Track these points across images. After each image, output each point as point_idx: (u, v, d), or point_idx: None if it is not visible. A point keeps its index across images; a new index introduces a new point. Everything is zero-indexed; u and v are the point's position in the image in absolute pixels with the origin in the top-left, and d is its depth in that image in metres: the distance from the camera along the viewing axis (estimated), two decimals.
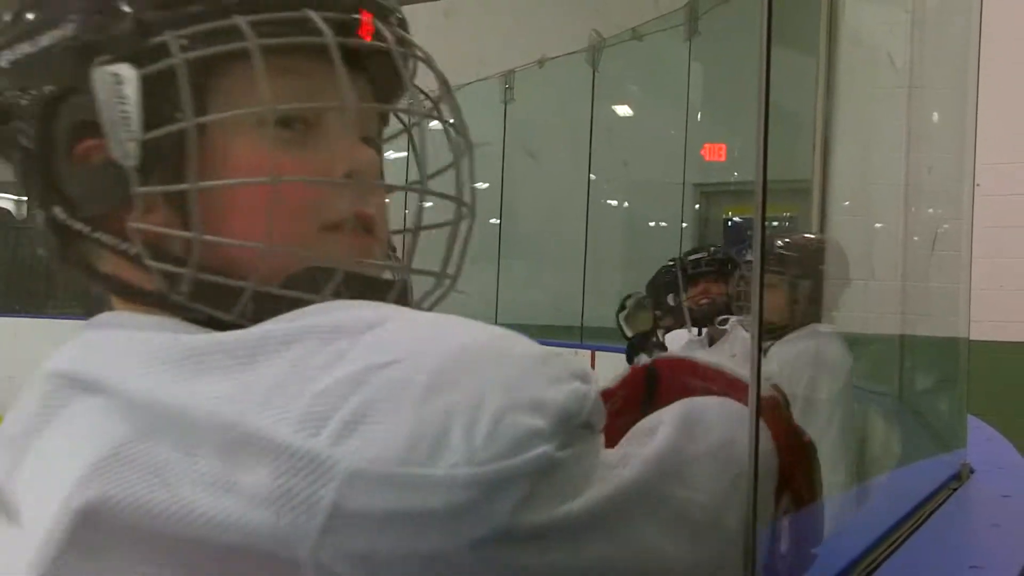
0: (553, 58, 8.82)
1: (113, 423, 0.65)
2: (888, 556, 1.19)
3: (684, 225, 8.61)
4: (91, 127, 0.75)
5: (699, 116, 8.14)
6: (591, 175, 8.59)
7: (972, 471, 1.87)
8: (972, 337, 2.49)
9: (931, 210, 2.57)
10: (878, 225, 2.62)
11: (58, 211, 0.78)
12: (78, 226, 0.78)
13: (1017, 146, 6.93)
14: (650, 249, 7.95)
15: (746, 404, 0.77)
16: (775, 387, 0.87)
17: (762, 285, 0.77)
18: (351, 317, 0.67)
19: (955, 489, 1.72)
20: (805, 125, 3.91)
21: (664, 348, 3.97)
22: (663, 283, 4.49)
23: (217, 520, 0.59)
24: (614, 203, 9.61)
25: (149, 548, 0.62)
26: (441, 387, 0.60)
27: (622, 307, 4.21)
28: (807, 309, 3.40)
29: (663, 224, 8.91)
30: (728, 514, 0.71)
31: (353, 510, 0.58)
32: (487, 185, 9.46)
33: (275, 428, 0.60)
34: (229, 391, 0.63)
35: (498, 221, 8.96)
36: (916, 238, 2.47)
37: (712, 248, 4.33)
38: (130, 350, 0.70)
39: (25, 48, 0.77)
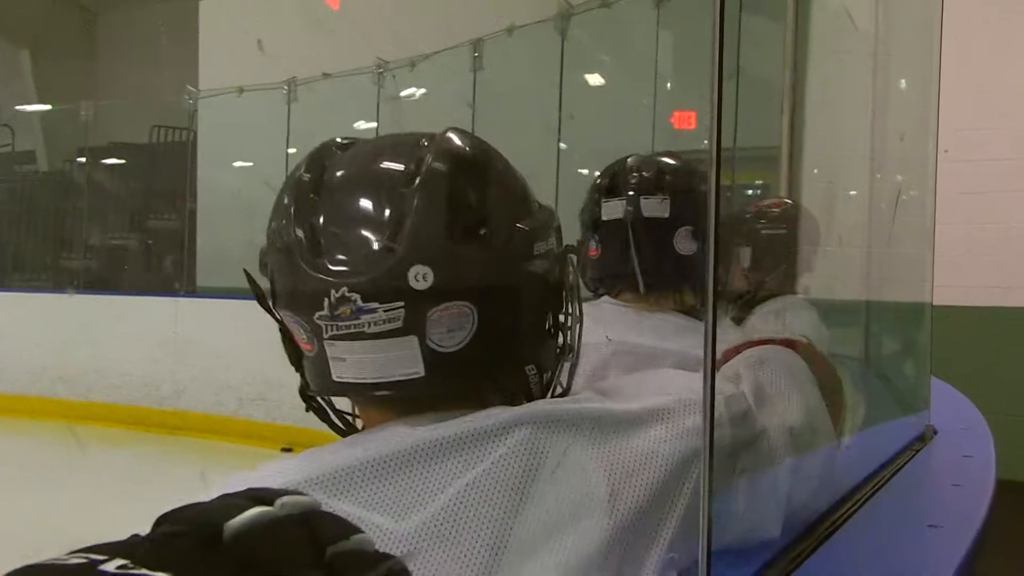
0: (522, 26, 8.78)
1: None
2: (851, 515, 1.21)
3: None
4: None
5: (668, 84, 8.14)
6: (561, 144, 8.58)
7: (936, 432, 1.90)
8: (941, 302, 2.52)
9: (899, 177, 2.59)
10: (852, 192, 2.64)
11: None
12: None
13: (985, 112, 6.97)
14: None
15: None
16: (802, 336, 1.42)
17: (717, 254, 0.78)
18: None
19: (918, 450, 1.75)
20: (776, 92, 3.92)
21: None
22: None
23: None
24: (584, 172, 9.61)
25: None
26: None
27: None
28: (785, 277, 3.41)
29: None
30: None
31: None
32: None
33: None
34: None
35: None
36: (883, 205, 2.49)
37: (747, 214, 3.82)
38: None
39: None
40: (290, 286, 0.98)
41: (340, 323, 0.93)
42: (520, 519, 0.90)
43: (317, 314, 0.94)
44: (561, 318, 1.07)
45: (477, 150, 1.04)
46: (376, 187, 0.96)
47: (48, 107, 14.27)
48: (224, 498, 0.56)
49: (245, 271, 1.05)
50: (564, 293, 1.06)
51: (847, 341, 2.15)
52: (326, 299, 0.93)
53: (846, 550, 1.11)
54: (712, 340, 0.81)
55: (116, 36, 15.38)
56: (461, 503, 0.90)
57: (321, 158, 1.01)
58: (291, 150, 10.62)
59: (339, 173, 0.99)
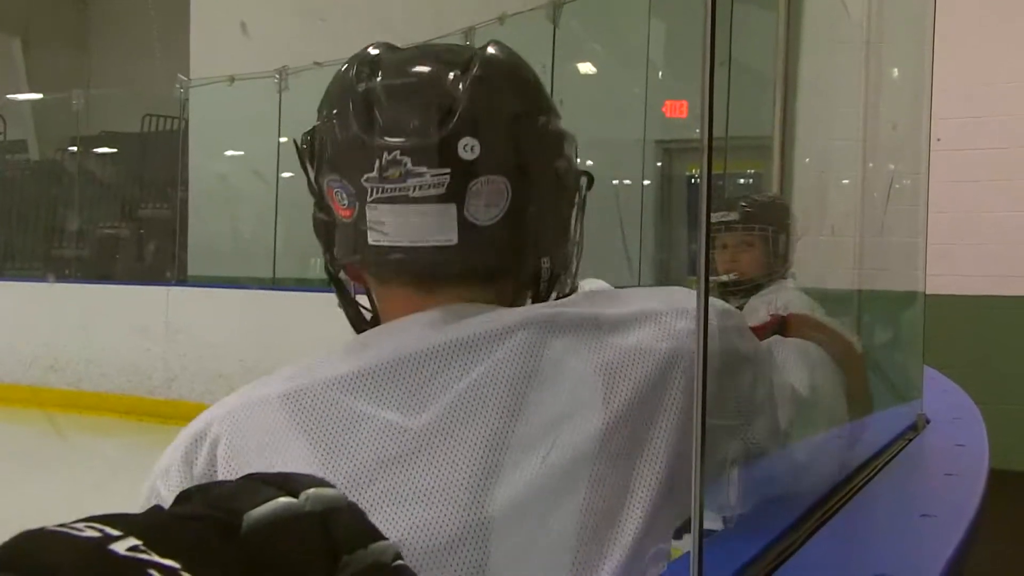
0: (514, 14, 8.77)
1: None
2: (842, 505, 1.21)
3: (646, 183, 8.62)
4: None
5: (660, 74, 8.13)
6: None
7: (928, 421, 1.90)
8: (934, 291, 2.52)
9: (891, 166, 2.59)
10: (844, 181, 2.64)
11: None
12: None
13: (977, 101, 6.98)
14: (613, 206, 7.96)
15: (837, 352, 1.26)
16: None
17: (708, 243, 0.78)
18: None
19: (911, 439, 1.75)
20: (769, 81, 3.91)
21: None
22: None
23: None
24: (576, 160, 9.59)
25: None
26: None
27: None
28: (781, 264, 3.44)
29: (626, 182, 8.92)
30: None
31: None
32: None
33: None
34: None
35: None
36: (876, 194, 2.49)
37: (743, 204, 3.53)
38: None
39: None
40: (341, 150, 1.04)
41: (387, 185, 1.01)
42: (521, 416, 0.97)
43: (365, 176, 1.01)
44: (574, 225, 1.15)
45: (519, 57, 1.15)
46: (431, 68, 1.06)
47: (39, 96, 14.24)
48: (251, 481, 0.55)
49: (293, 141, 1.11)
50: (576, 206, 1.15)
51: (840, 329, 2.15)
52: (377, 161, 1.01)
53: (838, 540, 1.11)
54: (704, 331, 0.80)
55: (107, 25, 15.34)
56: (465, 401, 0.98)
57: (373, 52, 1.09)
58: (282, 139, 10.59)
59: (395, 57, 1.08)
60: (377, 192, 1.01)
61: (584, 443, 0.96)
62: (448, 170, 1.00)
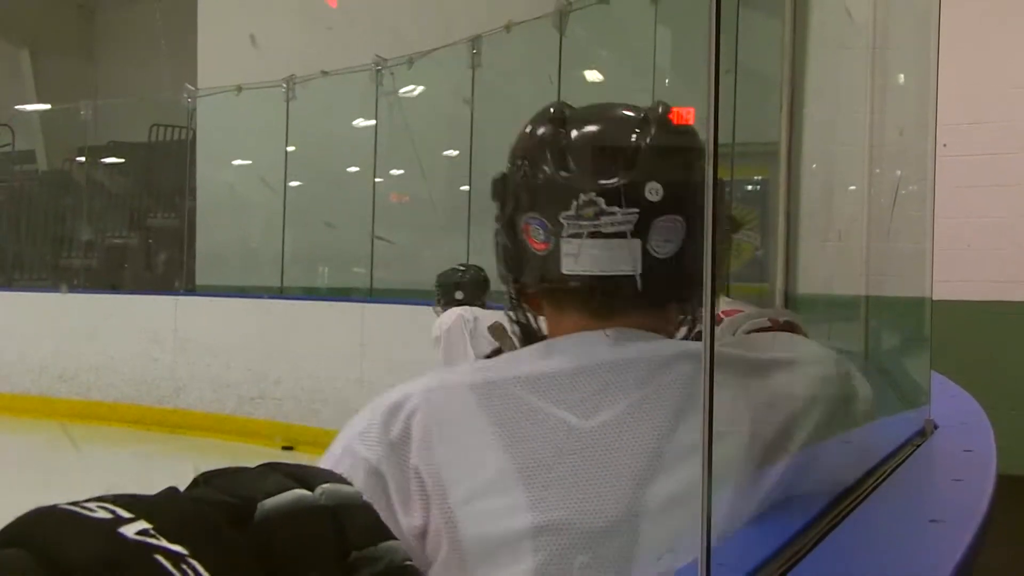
0: (520, 23, 8.78)
1: None
2: (851, 511, 1.21)
3: None
4: None
5: (667, 80, 8.13)
6: None
7: (936, 427, 1.90)
8: (940, 296, 2.52)
9: (898, 171, 2.59)
10: (851, 187, 2.65)
11: None
12: None
13: (983, 106, 6.98)
14: None
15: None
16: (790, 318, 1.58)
17: (715, 252, 0.78)
18: None
19: (919, 445, 1.75)
20: (775, 87, 3.91)
21: None
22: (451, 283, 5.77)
23: None
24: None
25: None
26: None
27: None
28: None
29: None
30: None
31: None
32: (457, 152, 9.43)
33: None
34: None
35: (468, 188, 8.94)
36: (883, 200, 2.49)
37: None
38: None
39: None
40: (539, 192, 1.20)
41: (582, 223, 1.16)
42: (676, 433, 1.11)
43: (563, 214, 1.17)
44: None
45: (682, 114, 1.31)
46: (618, 122, 1.27)
47: (47, 106, 14.28)
48: (268, 470, 0.56)
49: (498, 179, 1.28)
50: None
51: (847, 336, 2.15)
52: (574, 201, 1.16)
53: (846, 545, 1.11)
54: (710, 339, 0.81)
55: (115, 35, 15.39)
56: (632, 413, 1.13)
57: (558, 108, 1.26)
58: (290, 148, 10.61)
59: (581, 112, 1.27)
60: (574, 228, 1.16)
61: (728, 458, 1.10)
62: (637, 210, 1.15)
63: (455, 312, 6.08)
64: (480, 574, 1.08)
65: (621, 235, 1.15)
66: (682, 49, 8.03)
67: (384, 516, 0.89)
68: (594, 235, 1.15)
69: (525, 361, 1.20)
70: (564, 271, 1.17)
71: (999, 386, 5.46)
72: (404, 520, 1.10)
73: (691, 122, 1.32)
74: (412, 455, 1.11)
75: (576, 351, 1.18)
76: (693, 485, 1.02)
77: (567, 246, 1.16)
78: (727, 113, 0.88)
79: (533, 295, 1.27)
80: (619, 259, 1.16)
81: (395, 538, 0.56)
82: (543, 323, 1.28)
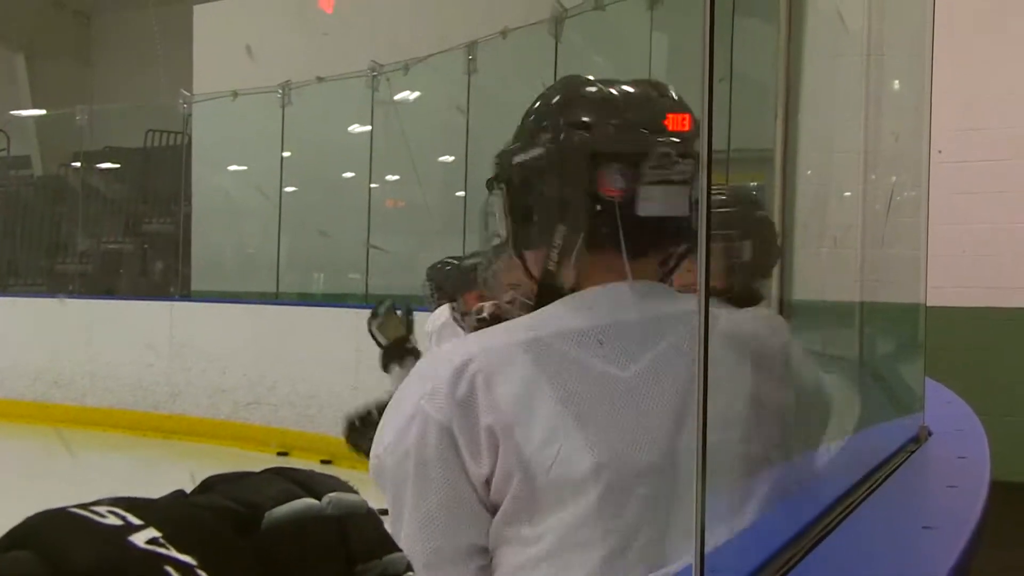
0: (515, 29, 8.79)
1: None
2: (845, 517, 1.21)
3: None
4: None
5: None
6: None
7: (930, 433, 1.90)
8: (935, 302, 2.52)
9: (893, 177, 2.60)
10: (846, 193, 2.65)
11: None
12: None
13: (977, 113, 6.98)
14: None
15: None
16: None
17: (708, 256, 0.79)
18: None
19: (913, 451, 1.75)
20: (770, 94, 3.91)
21: (418, 354, 3.82)
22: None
23: None
24: None
25: None
26: None
27: (374, 315, 4.17)
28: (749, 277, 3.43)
29: None
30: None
31: None
32: (452, 158, 9.43)
33: None
34: None
35: (463, 194, 8.94)
36: (877, 206, 2.49)
37: None
38: None
39: None
40: (624, 144, 1.34)
41: (659, 171, 1.31)
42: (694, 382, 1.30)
43: (644, 164, 1.31)
44: None
45: None
46: (655, 85, 1.45)
47: (43, 112, 14.27)
48: (275, 476, 0.56)
49: (555, 145, 1.38)
50: None
51: (842, 342, 2.15)
52: (652, 152, 1.31)
53: (840, 552, 1.11)
54: (704, 340, 0.81)
55: (111, 41, 15.38)
56: (661, 361, 1.30)
57: (591, 82, 1.48)
58: (285, 153, 10.61)
59: (624, 82, 1.46)
60: (651, 176, 1.31)
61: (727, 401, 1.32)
62: (692, 161, 1.31)
63: (449, 307, 6.05)
64: (551, 507, 1.23)
65: (684, 182, 1.32)
66: (678, 55, 8.04)
67: (454, 467, 1.23)
68: (666, 181, 1.32)
69: (564, 317, 1.34)
70: (640, 213, 1.31)
71: (993, 393, 5.47)
72: (473, 470, 1.24)
73: (688, 128, 1.36)
74: (481, 412, 1.24)
75: (607, 306, 1.34)
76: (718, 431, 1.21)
77: (643, 191, 1.31)
78: (722, 119, 0.90)
79: (570, 244, 1.37)
80: (679, 203, 1.32)
81: (399, 549, 0.56)
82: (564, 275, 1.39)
